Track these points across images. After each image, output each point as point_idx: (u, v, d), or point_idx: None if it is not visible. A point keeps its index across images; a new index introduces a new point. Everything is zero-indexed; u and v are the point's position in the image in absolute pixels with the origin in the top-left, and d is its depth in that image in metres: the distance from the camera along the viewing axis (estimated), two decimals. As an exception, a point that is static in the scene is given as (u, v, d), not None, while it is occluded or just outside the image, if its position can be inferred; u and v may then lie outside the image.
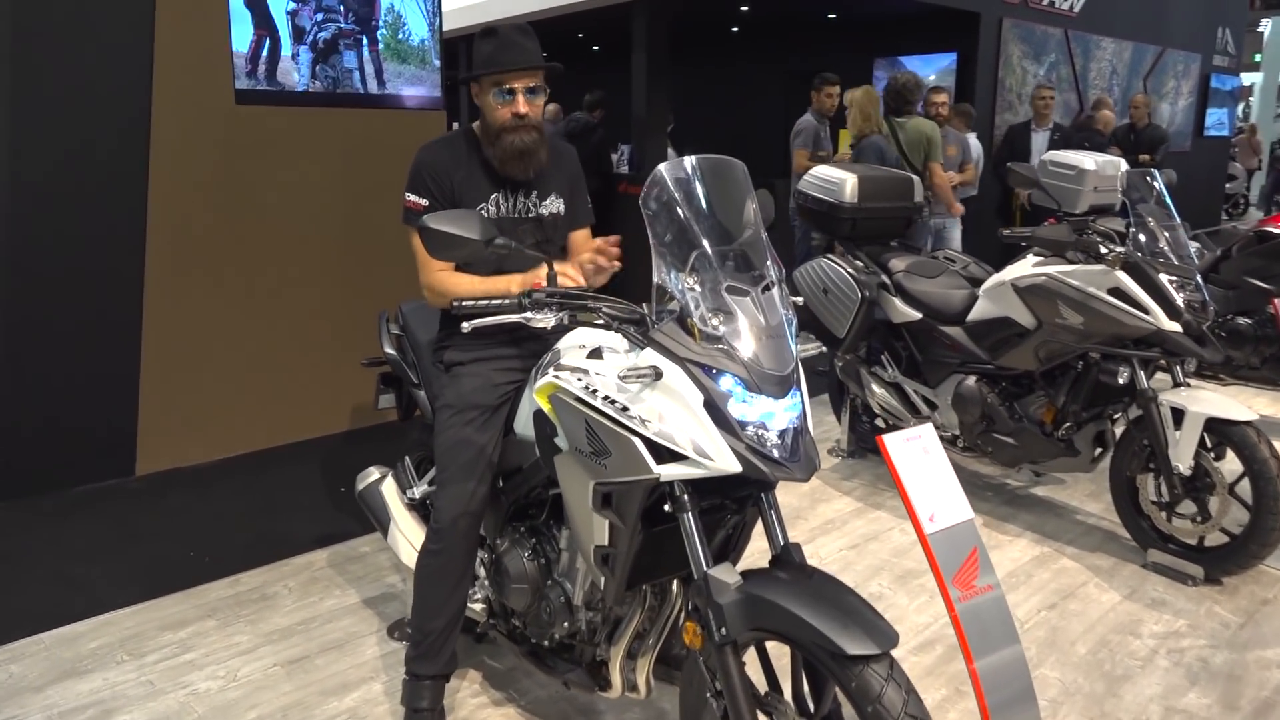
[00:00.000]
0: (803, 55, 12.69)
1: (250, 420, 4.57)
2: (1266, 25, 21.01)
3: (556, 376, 2.00)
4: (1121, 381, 3.49)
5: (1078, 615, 3.20)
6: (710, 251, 1.88)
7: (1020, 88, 9.77)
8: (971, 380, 3.96)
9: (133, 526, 3.76)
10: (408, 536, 2.71)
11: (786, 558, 1.93)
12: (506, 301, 1.95)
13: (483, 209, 2.42)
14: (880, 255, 4.43)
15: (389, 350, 2.85)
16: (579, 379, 1.95)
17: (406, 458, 2.91)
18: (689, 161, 1.94)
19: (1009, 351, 3.81)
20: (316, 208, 4.68)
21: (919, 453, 2.05)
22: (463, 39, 10.01)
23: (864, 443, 4.80)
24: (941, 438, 4.18)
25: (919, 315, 4.15)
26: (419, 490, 2.79)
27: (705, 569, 1.85)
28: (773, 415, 1.82)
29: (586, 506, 1.97)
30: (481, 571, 2.54)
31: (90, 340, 4.12)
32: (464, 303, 1.93)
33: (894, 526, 3.88)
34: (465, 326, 1.93)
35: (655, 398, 1.84)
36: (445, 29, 5.22)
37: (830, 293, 4.35)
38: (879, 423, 4.68)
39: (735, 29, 12.59)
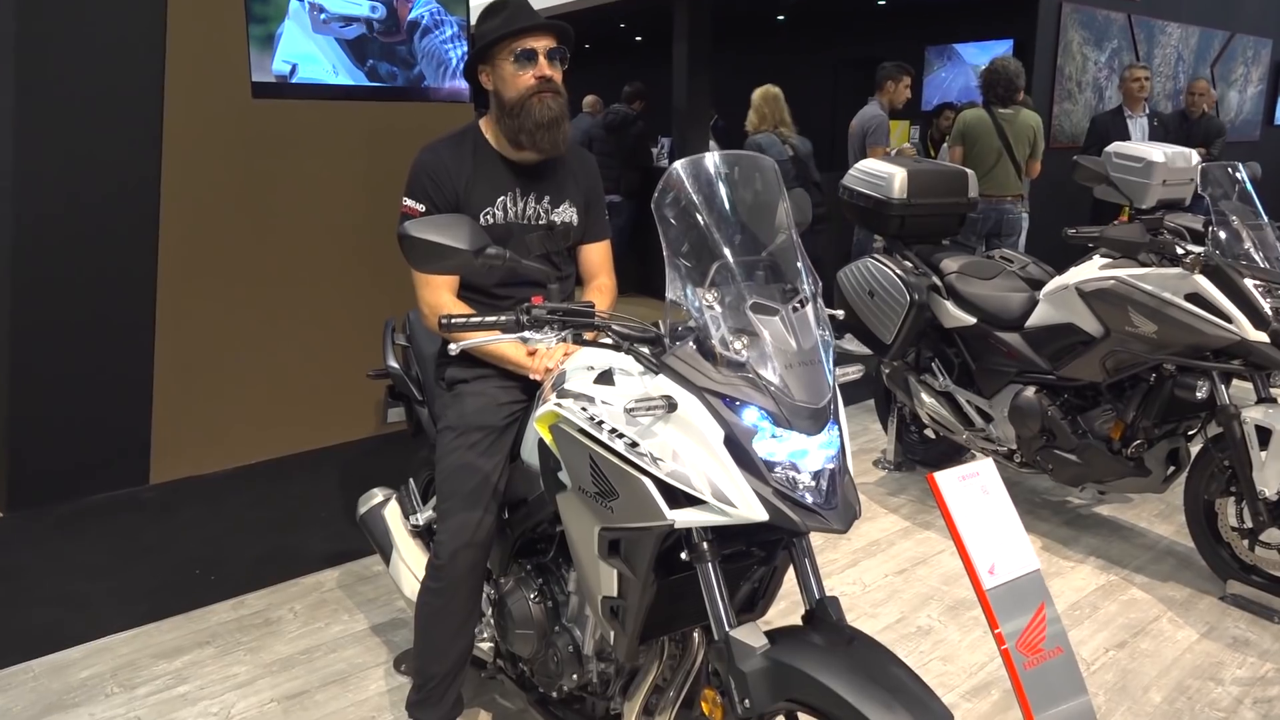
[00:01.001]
0: (851, 44, 12.32)
1: (267, 427, 4.41)
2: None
3: (558, 404, 1.76)
4: (1200, 396, 3.17)
5: (1150, 656, 2.89)
6: (734, 263, 1.62)
7: (1080, 75, 9.32)
8: (1030, 391, 3.65)
9: (141, 541, 3.60)
10: (411, 567, 2.49)
11: (822, 615, 1.67)
12: (501, 319, 1.71)
13: (488, 214, 2.19)
14: (931, 255, 4.13)
15: (392, 364, 2.64)
16: (583, 408, 1.71)
17: (411, 480, 2.70)
18: (710, 159, 1.69)
19: (1072, 361, 3.50)
20: (336, 208, 4.50)
21: (976, 493, 1.78)
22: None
23: (911, 454, 4.51)
24: (996, 452, 3.90)
25: (973, 320, 3.85)
26: (423, 516, 2.58)
27: (727, 630, 1.60)
28: (805, 454, 1.56)
29: (592, 553, 1.73)
30: (488, 609, 2.32)
31: (103, 346, 3.98)
32: (452, 320, 1.70)
33: (944, 549, 3.59)
34: (453, 348, 1.70)
35: (669, 432, 1.59)
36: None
37: (877, 295, 4.06)
38: (928, 433, 4.39)
39: (781, 17, 12.24)
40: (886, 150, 6.24)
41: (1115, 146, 4.12)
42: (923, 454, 4.47)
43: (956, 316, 3.90)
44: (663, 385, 1.60)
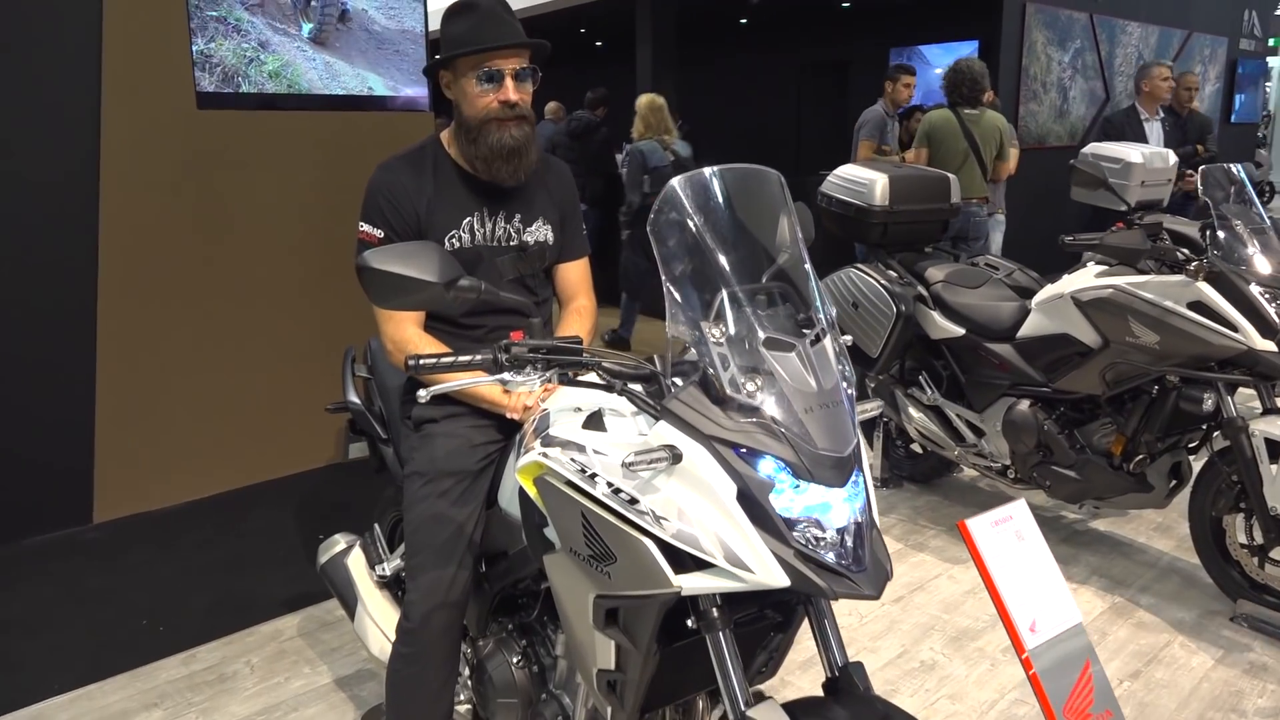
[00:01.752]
0: (816, 46, 12.22)
1: (219, 459, 4.14)
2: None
3: (543, 454, 1.55)
4: (1207, 409, 3.03)
5: (1167, 687, 2.74)
6: (741, 292, 1.43)
7: (1045, 75, 9.28)
8: (1024, 404, 3.50)
9: (82, 589, 3.33)
10: (378, 623, 2.27)
11: (847, 684, 1.48)
12: (476, 358, 1.50)
13: (453, 237, 1.98)
14: (915, 264, 3.98)
15: (352, 398, 2.41)
16: (572, 458, 1.50)
17: (376, 525, 2.47)
18: (710, 174, 1.50)
19: (1069, 373, 3.35)
20: (290, 226, 4.24)
21: (1011, 540, 1.60)
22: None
23: (899, 470, 4.35)
24: (989, 468, 3.75)
25: (962, 331, 3.70)
26: (390, 565, 2.35)
27: (743, 709, 1.40)
28: (829, 509, 1.37)
29: (586, 623, 1.53)
30: (465, 670, 2.10)
31: (40, 374, 3.69)
32: (421, 361, 1.48)
33: (940, 573, 3.43)
34: (423, 395, 1.48)
35: (673, 487, 1.39)
36: (433, 28, 4.79)
37: (861, 307, 3.90)
38: (916, 448, 4.24)
39: (744, 20, 12.11)
40: (875, 147, 6.11)
41: (1092, 148, 4.01)
42: (910, 470, 4.32)
43: (944, 328, 3.74)
44: (664, 434, 1.40)
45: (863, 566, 1.37)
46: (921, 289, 3.85)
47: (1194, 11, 11.41)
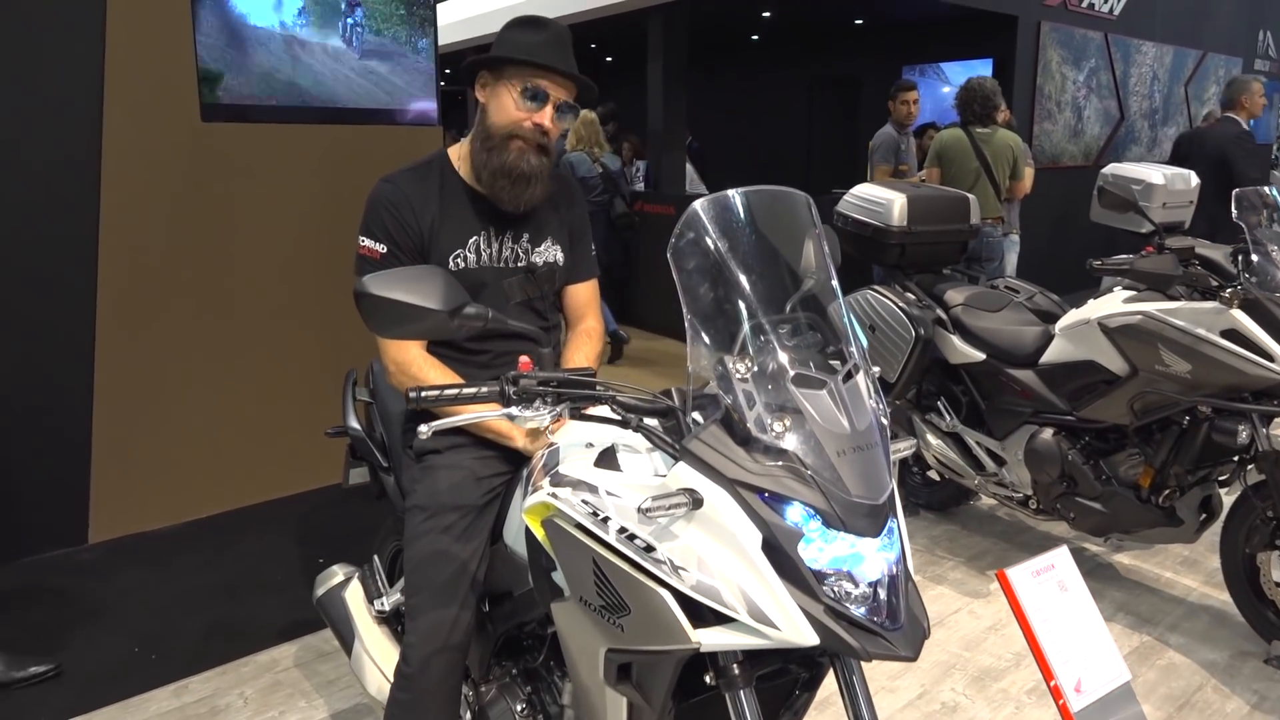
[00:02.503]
0: (828, 62, 12.16)
1: (219, 478, 4.04)
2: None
3: (552, 494, 1.44)
4: (1241, 441, 2.92)
5: (1201, 734, 2.62)
6: (768, 324, 1.33)
7: (1060, 94, 9.19)
8: (1047, 433, 3.38)
9: (73, 613, 3.23)
10: (377, 661, 2.16)
11: (877, 748, 1.38)
12: (482, 390, 1.40)
13: (459, 256, 1.88)
14: (934, 286, 3.87)
15: (352, 423, 2.31)
16: (584, 500, 1.40)
17: (375, 557, 2.36)
18: (735, 197, 1.40)
19: (1094, 401, 3.23)
20: (294, 241, 4.16)
21: (1054, 591, 1.49)
22: (457, 55, 9.55)
23: (915, 498, 4.23)
24: (1010, 498, 3.63)
25: (982, 356, 3.58)
26: (390, 599, 2.24)
27: (766, 776, 1.30)
28: (861, 560, 1.27)
29: (597, 678, 1.42)
30: (467, 716, 1.99)
31: (36, 390, 3.61)
32: (423, 393, 1.38)
33: (960, 608, 3.31)
34: (424, 430, 1.38)
35: (693, 534, 1.29)
36: (442, 42, 4.72)
37: (878, 330, 3.79)
38: (933, 475, 4.12)
39: (756, 36, 12.06)
40: (891, 170, 6.00)
41: (1113, 168, 3.92)
42: (928, 497, 4.20)
43: (964, 352, 3.63)
44: (684, 476, 1.30)
45: (898, 624, 1.27)
46: (940, 312, 3.74)
47: (1209, 32, 11.33)
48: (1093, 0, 9.30)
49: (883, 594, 1.28)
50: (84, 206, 3.62)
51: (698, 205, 1.37)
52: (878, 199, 3.86)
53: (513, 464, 1.88)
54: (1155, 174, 3.78)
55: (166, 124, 3.76)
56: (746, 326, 1.32)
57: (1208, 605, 3.32)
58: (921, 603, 1.33)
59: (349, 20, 4.19)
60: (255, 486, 4.14)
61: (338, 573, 2.38)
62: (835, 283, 1.42)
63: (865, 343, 1.40)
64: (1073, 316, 3.36)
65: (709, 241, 1.36)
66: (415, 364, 1.84)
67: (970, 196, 4.01)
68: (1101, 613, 3.17)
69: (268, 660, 2.97)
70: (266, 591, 3.37)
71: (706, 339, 1.32)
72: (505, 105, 1.85)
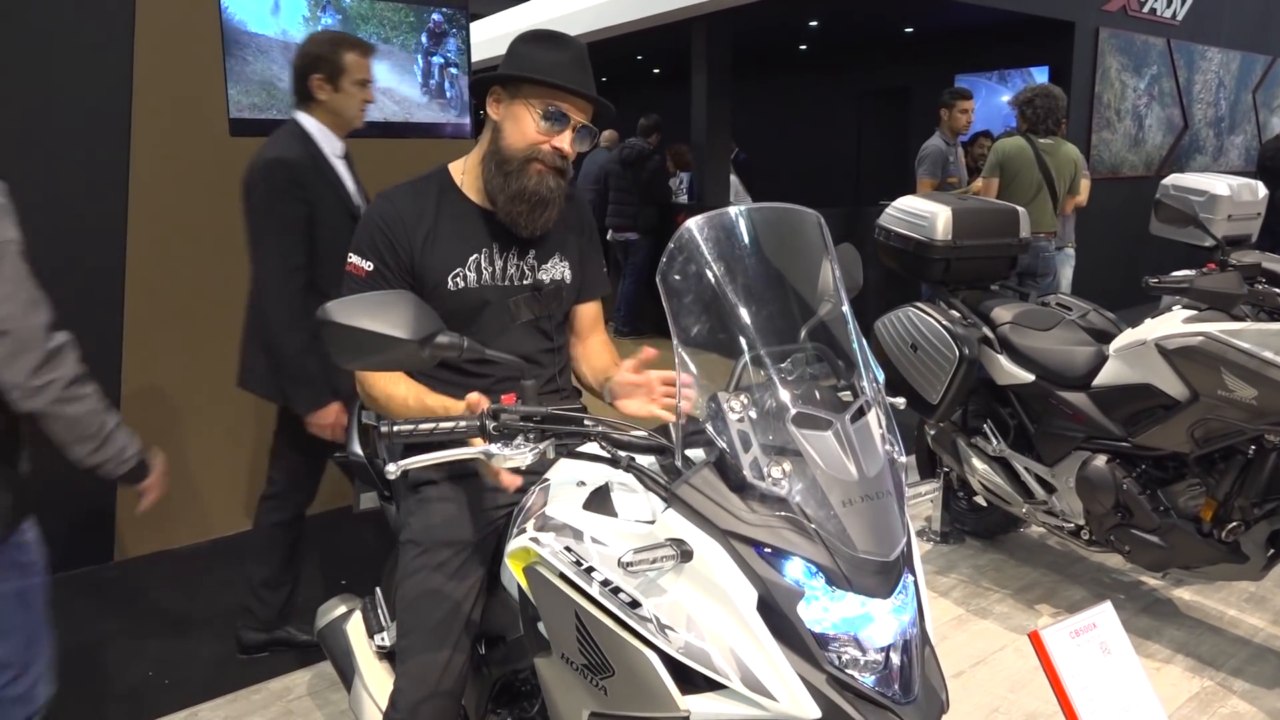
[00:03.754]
0: (878, 73, 11.94)
1: (244, 495, 4.00)
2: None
3: (534, 539, 1.33)
4: (1313, 474, 2.70)
5: (1268, 793, 2.41)
6: (768, 355, 1.20)
7: (1119, 103, 8.89)
8: (1101, 460, 3.18)
9: (92, 635, 3.18)
10: (375, 698, 2.06)
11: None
12: (460, 425, 1.29)
13: (458, 275, 1.78)
14: (981, 303, 3.69)
15: (355, 449, 2.21)
16: (567, 547, 1.28)
17: (378, 590, 2.26)
18: (735, 215, 1.27)
19: (1152, 428, 3.03)
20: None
21: (1095, 654, 1.33)
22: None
23: (960, 524, 4.04)
24: (1061, 528, 3.43)
25: (1032, 377, 3.39)
26: (390, 635, 2.14)
27: None
28: (869, 622, 1.13)
29: (580, 742, 1.30)
30: (461, 761, 1.88)
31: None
32: (396, 428, 1.28)
33: (1006, 644, 3.12)
34: (392, 469, 1.27)
35: (681, 590, 1.16)
36: (475, 59, 4.65)
37: (920, 349, 3.61)
38: (978, 501, 3.93)
39: (804, 47, 11.89)
40: (938, 184, 5.81)
41: (1174, 179, 3.72)
42: (973, 524, 4.00)
43: (1012, 373, 3.44)
44: (672, 525, 1.17)
45: (911, 696, 1.13)
46: (987, 330, 3.56)
47: (1277, 36, 10.91)
48: (1154, 5, 8.99)
49: (895, 660, 1.14)
50: (111, 222, 3.60)
51: (691, 224, 1.25)
52: (921, 212, 3.70)
53: (512, 497, 1.76)
54: (1220, 184, 3.58)
55: (195, 137, 3.74)
56: (744, 359, 1.19)
57: (1275, 648, 3.09)
58: (940, 670, 1.19)
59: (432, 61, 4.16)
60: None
61: (339, 605, 2.29)
62: (847, 308, 1.29)
63: (882, 376, 1.27)
64: (1128, 337, 3.16)
65: (704, 265, 1.23)
66: (392, 386, 1.74)
67: (1020, 210, 3.82)
68: (1158, 655, 2.98)
69: (280, 688, 2.90)
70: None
71: (698, 373, 1.19)
72: (524, 127, 1.75)
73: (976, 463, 3.65)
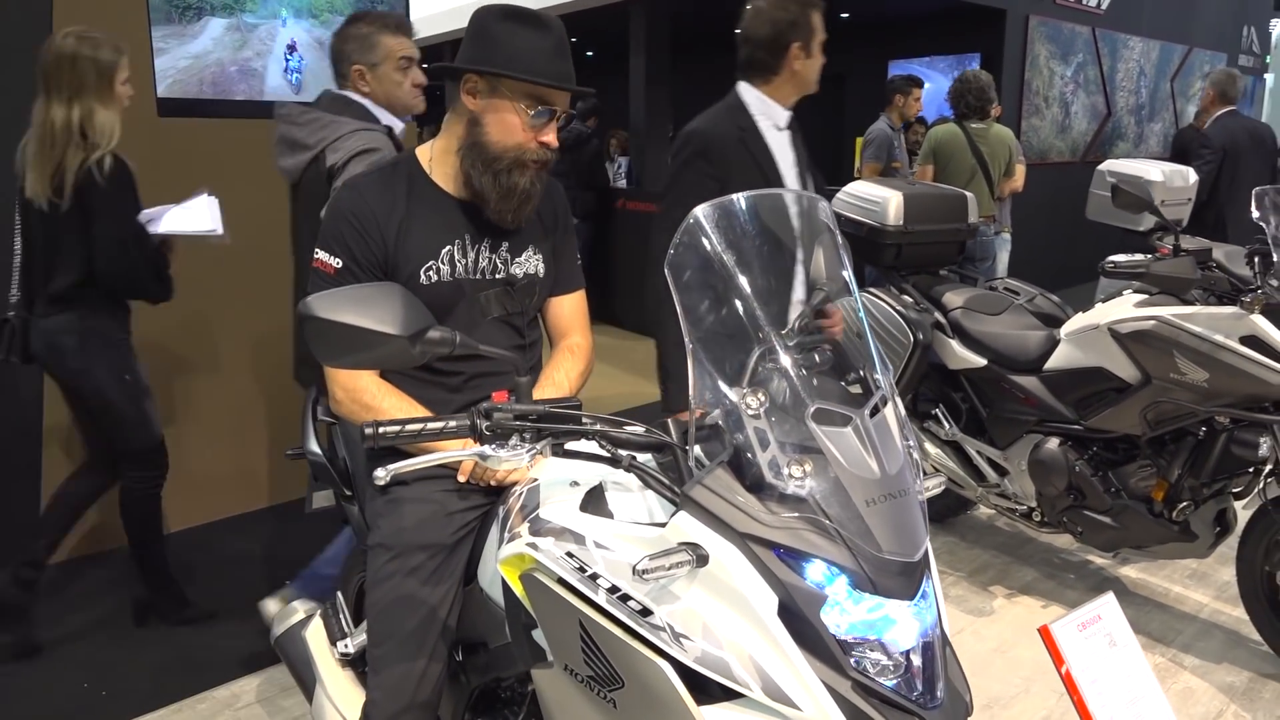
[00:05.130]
0: (811, 58, 11.99)
1: (180, 493, 3.81)
2: (1276, 26, 20.28)
3: (532, 546, 1.26)
4: (1262, 454, 2.76)
5: (1225, 767, 2.46)
6: (784, 350, 1.15)
7: (1047, 90, 9.07)
8: (1053, 443, 3.22)
9: (21, 644, 2.99)
10: (340, 708, 1.96)
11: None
12: (450, 425, 1.21)
13: (430, 268, 1.69)
14: (931, 288, 3.70)
15: (313, 447, 2.11)
16: (568, 553, 1.21)
17: (339, 594, 2.16)
18: (742, 202, 1.21)
19: (1104, 410, 3.07)
20: (258, 246, 3.93)
21: (1103, 646, 1.31)
22: (432, 49, 9.33)
23: (912, 508, 4.06)
24: (1013, 510, 3.47)
25: (983, 361, 3.42)
26: (355, 641, 2.04)
27: None
28: (891, 625, 1.09)
29: (585, 759, 1.24)
30: (436, 772, 1.80)
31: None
32: (382, 429, 1.19)
33: (964, 628, 3.14)
34: (381, 475, 1.19)
35: (696, 596, 1.10)
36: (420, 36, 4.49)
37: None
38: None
39: (740, 30, 11.88)
40: (883, 168, 5.84)
41: (1109, 165, 3.80)
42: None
43: (964, 358, 3.47)
44: (686, 529, 1.11)
45: (936, 699, 1.09)
46: (939, 315, 3.58)
47: (1194, 27, 11.25)
48: (1080, -6, 9.19)
49: (917, 662, 1.10)
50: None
51: (699, 212, 1.19)
52: (873, 198, 3.69)
53: (488, 496, 1.69)
54: (1154, 170, 3.66)
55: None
56: (757, 353, 1.14)
57: (1220, 623, 3.17)
58: (962, 672, 1.16)
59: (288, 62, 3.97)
60: (219, 501, 3.93)
61: (298, 610, 2.19)
62: (860, 301, 1.24)
63: (891, 369, 1.22)
64: (1080, 321, 3.20)
65: (711, 255, 1.17)
66: (368, 391, 1.65)
67: (968, 194, 3.85)
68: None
69: (228, 695, 2.77)
70: (230, 617, 3.16)
71: (711, 367, 1.13)
72: (510, 124, 1.65)
73: (930, 447, 3.67)
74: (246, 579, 3.44)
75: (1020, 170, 5.77)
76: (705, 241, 1.18)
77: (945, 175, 5.35)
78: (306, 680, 2.07)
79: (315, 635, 2.09)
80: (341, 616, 2.10)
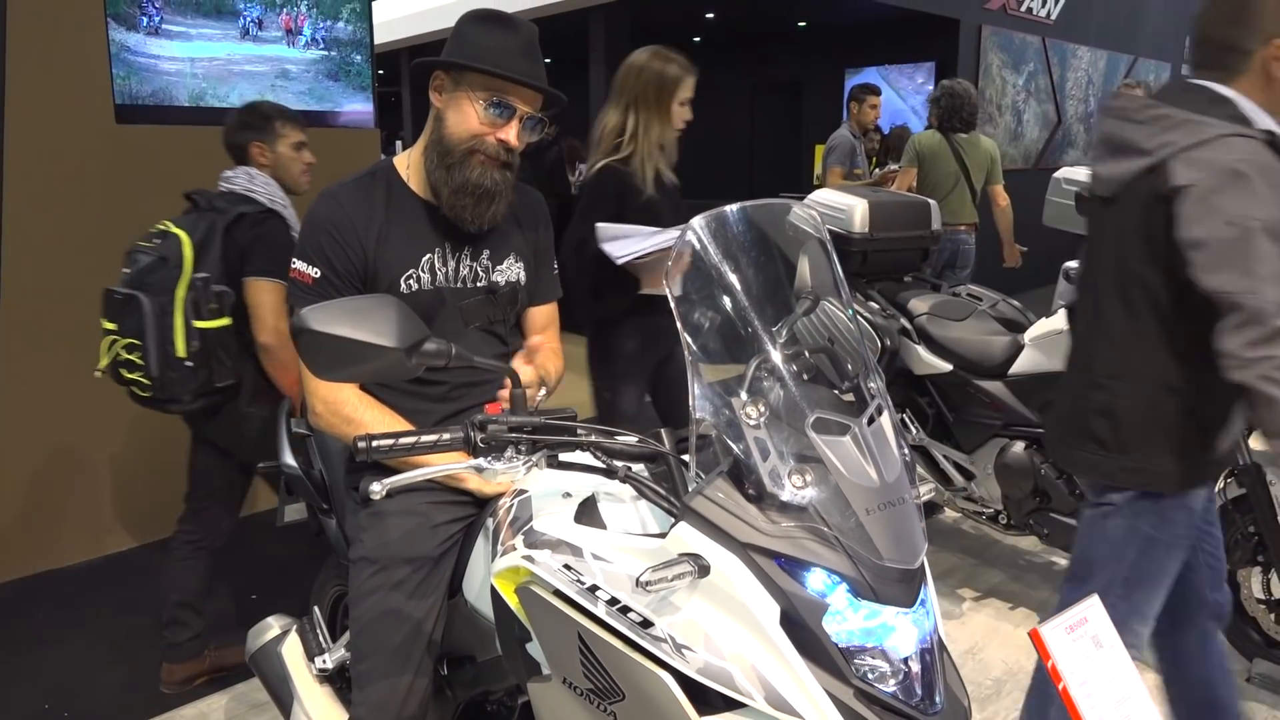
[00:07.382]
0: (771, 66, 12.09)
1: (138, 507, 3.74)
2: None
3: (527, 558, 1.25)
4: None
5: (1192, 762, 2.50)
6: (781, 359, 1.15)
7: (1000, 98, 9.24)
8: (1019, 447, 3.27)
9: (-25, 665, 2.93)
10: (317, 725, 1.93)
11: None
12: (444, 437, 1.19)
13: (411, 277, 1.67)
14: (897, 295, 3.74)
15: (288, 460, 2.07)
16: (565, 565, 1.21)
17: (316, 609, 2.12)
18: (740, 212, 1.22)
19: (1068, 414, 3.12)
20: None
21: (1089, 649, 1.33)
22: (391, 55, 9.24)
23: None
24: (979, 513, 3.52)
25: (949, 367, 3.46)
26: (334, 656, 2.01)
27: None
28: (891, 632, 1.10)
29: (584, 773, 1.23)
30: (421, 789, 1.77)
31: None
32: (374, 444, 1.18)
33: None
34: (376, 490, 1.17)
35: (697, 606, 1.10)
36: (377, 41, 4.46)
37: (838, 343, 3.64)
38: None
39: (698, 39, 11.94)
40: (845, 174, 5.87)
41: (1066, 172, 3.90)
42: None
43: (930, 363, 3.51)
44: (686, 539, 1.11)
45: (936, 705, 1.10)
46: (905, 321, 3.62)
47: (1139, 37, 11.53)
48: (1031, 4, 9.36)
49: (916, 669, 1.11)
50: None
51: (696, 224, 1.19)
52: (839, 205, 3.73)
53: (472, 507, 1.68)
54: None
55: (77, 125, 3.46)
56: (755, 363, 1.14)
57: (1182, 621, 3.23)
58: (960, 677, 1.17)
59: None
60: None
61: (274, 625, 2.14)
62: (851, 308, 1.25)
63: (884, 376, 1.24)
64: (1044, 326, 3.26)
65: (711, 265, 1.17)
66: (349, 403, 1.62)
67: (931, 202, 3.90)
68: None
69: (194, 714, 2.71)
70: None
71: (713, 378, 1.13)
72: (466, 116, 1.65)
73: (897, 452, 3.71)
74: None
75: (997, 190, 5.73)
76: (703, 254, 1.18)
77: (929, 181, 5.39)
78: (283, 698, 2.03)
79: (291, 652, 2.05)
80: (318, 632, 2.06)
